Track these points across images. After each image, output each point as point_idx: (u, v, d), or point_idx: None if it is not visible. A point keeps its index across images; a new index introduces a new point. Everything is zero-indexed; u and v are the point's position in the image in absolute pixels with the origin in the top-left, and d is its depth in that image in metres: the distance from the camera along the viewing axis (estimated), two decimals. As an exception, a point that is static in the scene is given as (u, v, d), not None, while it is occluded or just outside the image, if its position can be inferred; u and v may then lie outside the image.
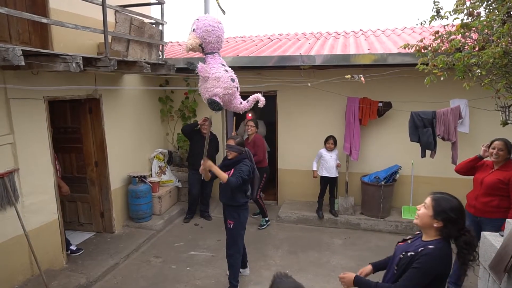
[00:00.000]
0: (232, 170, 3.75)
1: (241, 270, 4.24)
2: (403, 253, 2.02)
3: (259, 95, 3.18)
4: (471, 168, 3.68)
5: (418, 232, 2.14)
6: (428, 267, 1.89)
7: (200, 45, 2.96)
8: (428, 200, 2.01)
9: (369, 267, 2.37)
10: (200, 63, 3.07)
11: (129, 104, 5.68)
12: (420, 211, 2.02)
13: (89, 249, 4.87)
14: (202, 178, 3.81)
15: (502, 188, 3.35)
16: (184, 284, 4.16)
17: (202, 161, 3.53)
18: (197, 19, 2.99)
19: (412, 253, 1.96)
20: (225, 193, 3.83)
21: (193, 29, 2.96)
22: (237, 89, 3.14)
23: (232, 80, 3.05)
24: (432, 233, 1.98)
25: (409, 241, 2.13)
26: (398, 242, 2.21)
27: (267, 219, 5.75)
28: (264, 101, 3.20)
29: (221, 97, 3.04)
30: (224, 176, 3.60)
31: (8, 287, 3.72)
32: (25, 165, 3.87)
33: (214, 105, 3.06)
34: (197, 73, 3.05)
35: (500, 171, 3.41)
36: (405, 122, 5.08)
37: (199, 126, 5.80)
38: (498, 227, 3.20)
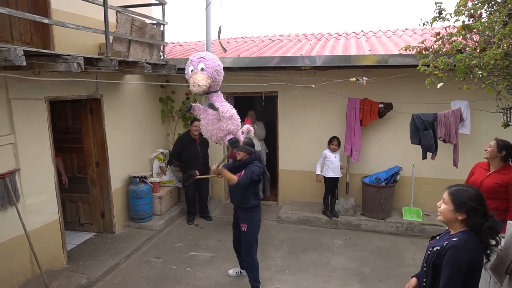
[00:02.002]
0: (243, 171, 3.74)
1: (242, 271, 4.26)
2: (431, 248, 2.05)
3: (249, 127, 3.32)
4: None
5: (447, 228, 2.13)
6: (456, 260, 1.88)
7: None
8: (445, 195, 2.02)
9: (414, 280, 2.27)
10: (206, 104, 3.05)
11: (130, 105, 5.69)
12: (441, 208, 2.04)
13: (89, 249, 4.87)
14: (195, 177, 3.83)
15: (501, 191, 3.35)
16: (184, 285, 4.16)
17: (213, 168, 3.65)
18: (204, 58, 2.93)
19: (438, 248, 1.97)
20: (236, 194, 3.83)
21: (201, 68, 2.89)
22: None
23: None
24: (458, 226, 1.99)
25: (437, 238, 2.16)
26: (430, 240, 2.22)
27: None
28: (252, 131, 3.39)
29: (234, 134, 3.08)
30: (234, 178, 3.60)
31: (8, 287, 3.72)
32: (26, 165, 3.87)
33: (236, 143, 3.08)
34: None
35: (497, 174, 3.40)
36: (406, 123, 5.08)
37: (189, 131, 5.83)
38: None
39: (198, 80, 2.87)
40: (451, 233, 2.03)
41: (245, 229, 3.82)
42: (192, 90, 2.95)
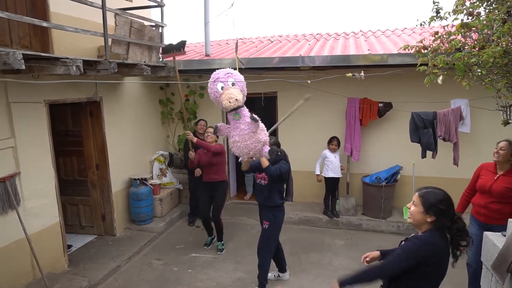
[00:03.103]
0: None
1: (280, 274, 4.23)
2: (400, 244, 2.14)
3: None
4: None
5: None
6: (412, 248, 1.97)
7: None
8: (415, 197, 2.06)
9: (377, 253, 2.38)
10: (236, 120, 3.12)
11: (129, 107, 5.69)
12: (411, 209, 2.08)
13: (90, 252, 4.86)
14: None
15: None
16: (185, 287, 4.16)
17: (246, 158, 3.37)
18: (231, 73, 3.02)
19: (404, 240, 2.09)
20: (262, 193, 3.82)
21: (233, 83, 2.97)
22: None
23: None
24: (425, 228, 2.04)
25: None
26: (401, 241, 2.24)
27: (223, 242, 5.05)
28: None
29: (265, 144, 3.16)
30: (265, 162, 3.53)
31: (10, 290, 3.72)
32: (26, 169, 3.87)
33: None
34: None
35: (506, 177, 3.25)
36: (405, 122, 5.08)
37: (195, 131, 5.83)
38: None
39: (235, 94, 2.94)
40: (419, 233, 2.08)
41: (267, 226, 3.83)
42: (228, 106, 2.97)
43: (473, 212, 3.50)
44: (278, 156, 3.69)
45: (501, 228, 3.15)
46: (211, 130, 5.70)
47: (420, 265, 1.95)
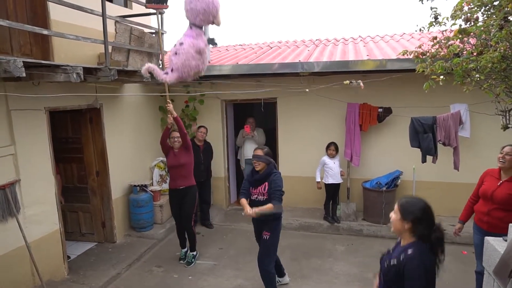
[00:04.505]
0: (265, 184, 3.60)
1: (280, 279, 4.18)
2: (387, 262, 2.15)
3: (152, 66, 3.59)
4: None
5: (398, 239, 2.24)
6: (417, 269, 1.98)
7: None
8: (395, 206, 2.15)
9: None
10: None
11: (129, 114, 5.70)
12: (392, 217, 2.15)
13: (90, 259, 4.84)
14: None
15: None
16: (186, 294, 4.14)
17: (249, 212, 3.45)
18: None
19: (395, 262, 2.08)
20: (261, 206, 3.64)
21: None
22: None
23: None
24: (407, 236, 2.09)
25: (391, 250, 2.24)
26: (382, 255, 2.29)
27: (195, 253, 4.86)
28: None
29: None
30: (270, 207, 3.47)
31: (9, 299, 3.70)
32: (26, 176, 3.87)
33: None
34: None
35: (509, 183, 3.16)
36: (405, 127, 5.09)
37: (194, 136, 5.82)
38: None
39: None
40: (402, 244, 2.12)
41: (267, 237, 3.72)
42: None
43: (476, 220, 3.42)
44: (269, 167, 3.64)
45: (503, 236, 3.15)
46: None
47: (428, 273, 1.99)
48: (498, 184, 3.22)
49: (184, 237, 4.88)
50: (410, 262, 2.00)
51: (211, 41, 3.69)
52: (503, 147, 3.25)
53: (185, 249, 4.89)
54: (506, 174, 3.21)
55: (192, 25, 3.53)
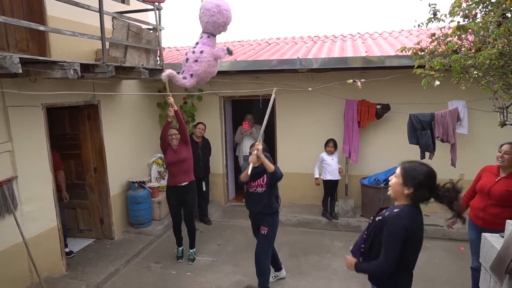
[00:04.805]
0: (264, 176, 3.67)
1: (277, 274, 4.22)
2: (372, 218, 2.18)
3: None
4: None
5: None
6: (396, 228, 2.02)
7: None
8: (398, 169, 2.13)
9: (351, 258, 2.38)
10: None
11: (127, 110, 5.68)
12: (392, 181, 2.15)
13: (88, 256, 4.85)
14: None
15: None
16: (184, 290, 4.15)
17: (253, 146, 3.50)
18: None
19: (380, 217, 2.11)
20: (260, 200, 3.72)
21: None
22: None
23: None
24: (403, 200, 2.10)
25: (382, 211, 2.26)
26: (373, 216, 2.31)
27: (195, 250, 4.86)
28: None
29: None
30: (270, 165, 3.51)
31: (7, 295, 3.70)
32: (23, 173, 3.86)
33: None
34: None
35: (507, 180, 3.16)
36: (403, 124, 5.09)
37: (193, 133, 5.80)
38: None
39: None
40: (395, 204, 2.15)
41: (266, 232, 3.77)
42: None
43: (471, 216, 3.42)
44: (267, 159, 3.66)
45: (499, 232, 3.08)
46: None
47: (409, 241, 2.04)
48: (496, 180, 3.23)
49: (181, 235, 4.85)
50: (392, 220, 2.03)
51: (229, 51, 3.94)
52: (501, 145, 3.24)
53: (182, 247, 4.86)
54: (504, 171, 3.22)
55: (210, 34, 3.82)
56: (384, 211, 2.22)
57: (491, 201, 3.20)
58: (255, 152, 3.50)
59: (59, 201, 4.70)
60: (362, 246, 2.22)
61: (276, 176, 3.59)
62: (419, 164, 2.11)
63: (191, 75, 3.88)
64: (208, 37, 3.84)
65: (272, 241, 3.87)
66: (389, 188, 2.18)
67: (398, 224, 2.02)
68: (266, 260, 3.82)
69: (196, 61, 3.79)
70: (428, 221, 5.38)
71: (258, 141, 3.57)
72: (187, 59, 3.85)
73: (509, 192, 3.10)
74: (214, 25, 3.72)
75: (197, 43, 3.86)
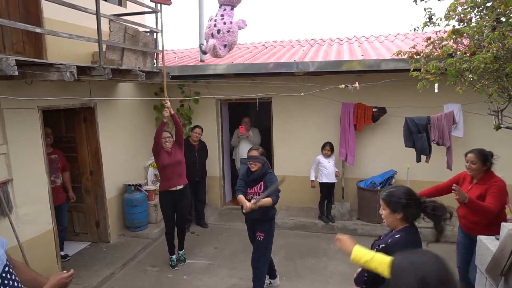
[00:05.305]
0: (261, 183, 3.63)
1: (271, 281, 4.18)
2: (376, 247, 2.19)
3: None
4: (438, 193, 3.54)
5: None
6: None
7: None
8: (381, 201, 2.21)
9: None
10: None
11: (124, 113, 5.67)
12: (383, 214, 2.21)
13: (84, 259, 4.81)
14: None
15: None
16: (181, 293, 4.13)
17: (248, 205, 3.40)
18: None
19: (383, 245, 2.13)
20: (258, 209, 3.60)
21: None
22: (212, 35, 3.91)
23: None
24: (399, 224, 2.16)
25: (381, 237, 2.31)
26: (375, 240, 2.36)
27: (184, 251, 4.88)
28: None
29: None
30: (269, 201, 3.48)
31: (1, 299, 3.66)
32: (19, 176, 3.84)
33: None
34: None
35: (478, 186, 3.22)
36: (399, 127, 5.11)
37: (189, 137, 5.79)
38: None
39: None
40: (394, 230, 2.19)
41: (262, 238, 3.72)
42: None
43: (460, 222, 3.49)
44: (263, 168, 3.66)
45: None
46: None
47: None
48: (469, 188, 3.28)
49: (173, 243, 4.76)
50: (395, 246, 2.05)
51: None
52: (466, 154, 3.31)
53: (175, 255, 4.77)
54: (476, 178, 3.29)
55: (232, 6, 3.96)
56: (382, 238, 2.26)
57: (468, 209, 3.19)
58: (251, 205, 3.40)
59: (66, 201, 4.81)
60: (365, 274, 2.22)
61: (274, 203, 3.57)
62: (394, 188, 2.21)
63: (225, 46, 4.00)
64: (231, 9, 3.98)
65: (269, 246, 3.83)
66: (383, 222, 2.26)
67: (402, 249, 1.97)
68: (263, 266, 3.79)
69: (228, 31, 3.88)
70: (424, 224, 5.38)
71: (254, 203, 3.43)
72: (218, 30, 3.90)
73: (481, 197, 3.12)
74: None
75: (222, 15, 3.94)
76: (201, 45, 4.56)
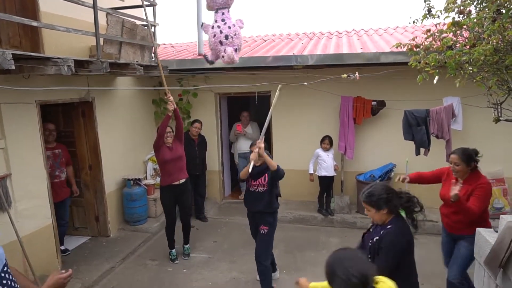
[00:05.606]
0: (265, 175, 3.65)
1: (271, 274, 4.12)
2: (371, 240, 2.31)
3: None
4: (422, 181, 3.56)
5: None
6: (393, 244, 2.20)
7: None
8: (364, 204, 2.33)
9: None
10: None
11: (122, 107, 5.65)
12: (370, 214, 2.33)
13: (84, 254, 4.83)
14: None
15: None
16: (180, 287, 4.14)
17: (255, 143, 3.45)
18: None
19: (377, 237, 2.26)
20: (261, 200, 3.68)
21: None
22: (221, 43, 3.75)
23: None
24: (386, 218, 2.29)
25: (371, 230, 2.44)
26: (364, 233, 2.49)
27: (187, 246, 4.88)
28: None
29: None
30: (273, 163, 3.48)
31: (2, 294, 3.67)
32: (17, 170, 3.83)
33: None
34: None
35: (464, 186, 3.10)
36: (399, 120, 5.11)
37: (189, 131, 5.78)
38: (474, 242, 3.07)
39: None
40: (384, 223, 2.31)
41: (266, 231, 3.72)
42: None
43: (442, 219, 3.46)
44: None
45: (463, 237, 3.17)
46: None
47: (405, 251, 2.25)
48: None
49: (174, 238, 4.76)
50: (386, 236, 2.21)
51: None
52: (450, 154, 3.23)
53: (175, 249, 4.79)
54: (462, 178, 3.18)
55: (228, 8, 3.90)
56: (373, 231, 2.37)
57: (452, 208, 3.15)
58: (257, 150, 3.45)
59: (70, 196, 4.84)
60: None
61: (278, 174, 3.56)
62: (371, 187, 2.32)
63: (236, 50, 3.93)
64: (228, 11, 3.92)
65: (271, 240, 3.85)
66: (372, 223, 2.41)
67: (394, 240, 2.21)
68: (268, 260, 3.79)
69: (235, 35, 3.84)
70: (423, 217, 5.40)
71: (259, 139, 3.51)
72: (226, 36, 3.81)
73: (465, 197, 3.03)
74: None
75: (223, 20, 3.85)
76: (205, 56, 4.38)
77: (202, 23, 4.23)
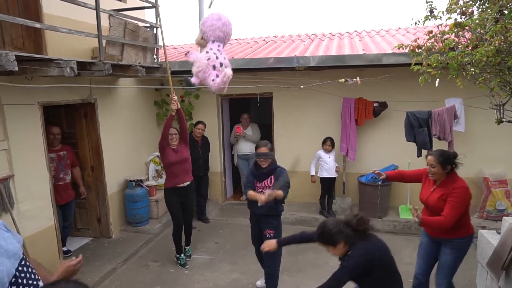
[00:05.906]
0: (271, 177, 3.62)
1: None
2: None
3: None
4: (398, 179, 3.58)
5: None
6: (351, 265, 2.31)
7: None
8: (320, 245, 2.44)
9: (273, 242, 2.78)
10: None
11: (124, 108, 5.67)
12: (331, 252, 2.41)
13: (86, 255, 4.83)
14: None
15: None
16: (182, 288, 4.14)
17: (263, 198, 3.39)
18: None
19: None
20: (266, 203, 3.56)
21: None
22: (214, 67, 3.76)
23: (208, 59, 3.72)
24: (347, 248, 2.35)
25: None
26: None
27: (189, 247, 4.87)
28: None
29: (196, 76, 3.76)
30: (280, 194, 3.48)
31: (4, 294, 3.68)
32: (20, 171, 3.84)
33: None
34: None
35: (440, 188, 3.04)
36: (400, 121, 5.10)
37: (192, 132, 5.79)
38: (457, 247, 2.99)
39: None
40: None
41: (272, 235, 3.65)
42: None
43: None
44: (273, 163, 3.68)
45: (445, 241, 3.05)
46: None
47: (369, 271, 2.27)
48: (432, 189, 3.12)
49: (181, 242, 4.70)
50: (347, 259, 2.34)
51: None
52: (427, 156, 3.15)
53: (183, 254, 4.71)
54: (439, 181, 3.10)
55: (223, 44, 4.00)
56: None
57: (429, 212, 3.10)
58: (265, 196, 3.39)
59: (76, 198, 4.86)
60: None
61: (284, 197, 3.58)
62: (321, 227, 2.39)
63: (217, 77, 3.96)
64: (224, 45, 4.02)
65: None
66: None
67: (357, 258, 2.30)
68: (276, 264, 3.74)
69: (226, 67, 3.92)
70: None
71: (270, 194, 3.42)
72: (221, 64, 3.87)
73: (441, 200, 2.97)
74: (226, 36, 3.95)
75: (219, 51, 3.93)
76: (188, 78, 4.26)
77: (187, 52, 4.30)
